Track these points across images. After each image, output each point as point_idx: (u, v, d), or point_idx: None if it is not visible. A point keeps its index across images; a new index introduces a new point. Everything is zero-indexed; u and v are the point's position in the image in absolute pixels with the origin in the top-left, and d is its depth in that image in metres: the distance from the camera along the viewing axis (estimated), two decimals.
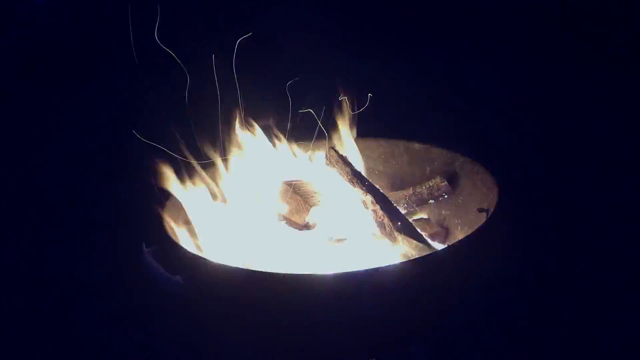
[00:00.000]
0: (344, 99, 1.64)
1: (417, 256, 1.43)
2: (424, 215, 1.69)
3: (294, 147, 1.71)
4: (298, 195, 1.56)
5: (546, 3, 2.60)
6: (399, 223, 1.46)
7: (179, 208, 1.60)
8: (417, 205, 1.65)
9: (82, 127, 2.43)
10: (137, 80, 2.55)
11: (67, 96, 2.60)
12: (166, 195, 1.60)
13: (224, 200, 1.63)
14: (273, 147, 1.68)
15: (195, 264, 1.40)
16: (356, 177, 1.51)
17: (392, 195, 1.62)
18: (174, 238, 1.46)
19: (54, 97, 2.60)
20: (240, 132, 1.66)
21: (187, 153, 1.61)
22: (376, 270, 1.32)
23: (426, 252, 1.41)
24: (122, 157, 2.23)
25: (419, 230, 1.52)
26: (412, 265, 1.39)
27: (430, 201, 1.65)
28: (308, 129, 1.63)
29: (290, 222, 1.57)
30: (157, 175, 1.58)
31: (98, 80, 2.64)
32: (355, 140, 1.71)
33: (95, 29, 2.78)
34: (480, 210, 1.56)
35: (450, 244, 1.60)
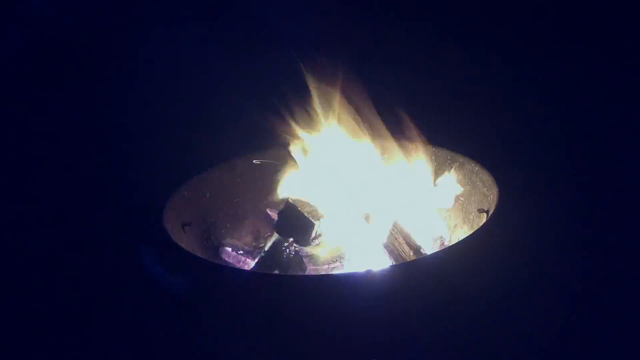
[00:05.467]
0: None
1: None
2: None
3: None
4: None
5: (546, 3, 2.60)
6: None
7: (179, 208, 1.60)
8: None
9: (83, 128, 2.43)
10: (137, 80, 2.56)
11: (67, 96, 2.60)
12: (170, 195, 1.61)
13: None
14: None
15: (194, 265, 1.40)
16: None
17: None
18: (174, 238, 1.46)
19: (55, 98, 2.60)
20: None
21: None
22: (377, 271, 1.32)
23: None
24: (122, 157, 2.23)
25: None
26: (413, 266, 1.39)
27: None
28: None
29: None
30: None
31: (98, 80, 2.64)
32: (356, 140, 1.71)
33: (96, 29, 2.79)
34: (480, 210, 1.56)
35: (450, 244, 1.60)
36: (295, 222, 1.58)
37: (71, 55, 2.70)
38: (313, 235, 1.57)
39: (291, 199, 1.61)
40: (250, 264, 1.62)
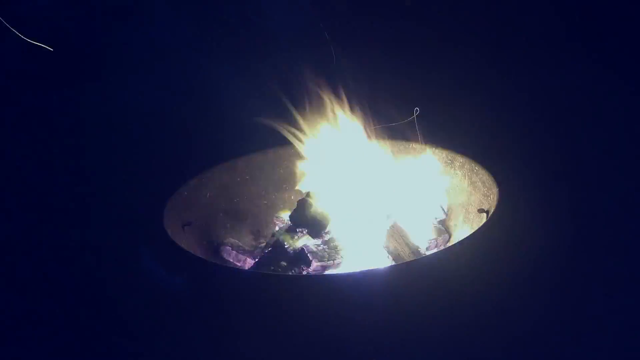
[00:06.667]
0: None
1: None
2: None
3: None
4: None
5: (546, 4, 2.60)
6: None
7: (179, 208, 1.60)
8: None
9: (83, 128, 2.43)
10: (138, 80, 2.57)
11: (67, 96, 2.60)
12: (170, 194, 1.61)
13: None
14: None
15: (194, 265, 1.40)
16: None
17: None
18: (174, 239, 1.46)
19: (55, 98, 2.60)
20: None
21: None
22: (377, 271, 1.32)
23: None
24: (123, 157, 2.23)
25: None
26: (413, 265, 1.39)
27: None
28: None
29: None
30: None
31: (99, 80, 2.64)
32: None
33: (96, 29, 2.79)
34: (480, 210, 1.56)
35: (450, 244, 1.60)
36: (312, 215, 1.59)
37: (71, 55, 2.70)
38: (326, 230, 1.59)
39: (311, 192, 1.62)
40: (250, 263, 1.63)
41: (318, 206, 1.60)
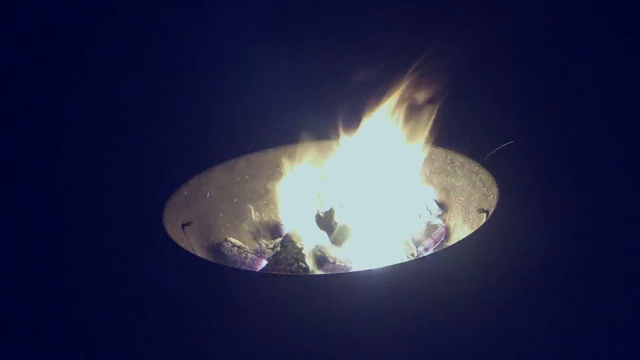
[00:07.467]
0: None
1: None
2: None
3: None
4: None
5: (545, 3, 2.60)
6: None
7: (179, 208, 1.60)
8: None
9: (82, 127, 2.43)
10: (138, 79, 2.56)
11: (66, 96, 2.60)
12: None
13: None
14: None
15: (194, 265, 1.40)
16: None
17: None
18: (174, 238, 1.46)
19: (53, 97, 2.60)
20: None
21: None
22: (377, 271, 1.33)
23: None
24: (122, 157, 2.23)
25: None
26: (412, 265, 1.39)
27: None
28: None
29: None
30: None
31: (98, 80, 2.64)
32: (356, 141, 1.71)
33: (95, 28, 2.79)
34: (480, 210, 1.57)
35: (450, 244, 1.60)
36: (339, 224, 1.60)
37: (71, 54, 2.70)
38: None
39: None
40: (253, 259, 1.62)
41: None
